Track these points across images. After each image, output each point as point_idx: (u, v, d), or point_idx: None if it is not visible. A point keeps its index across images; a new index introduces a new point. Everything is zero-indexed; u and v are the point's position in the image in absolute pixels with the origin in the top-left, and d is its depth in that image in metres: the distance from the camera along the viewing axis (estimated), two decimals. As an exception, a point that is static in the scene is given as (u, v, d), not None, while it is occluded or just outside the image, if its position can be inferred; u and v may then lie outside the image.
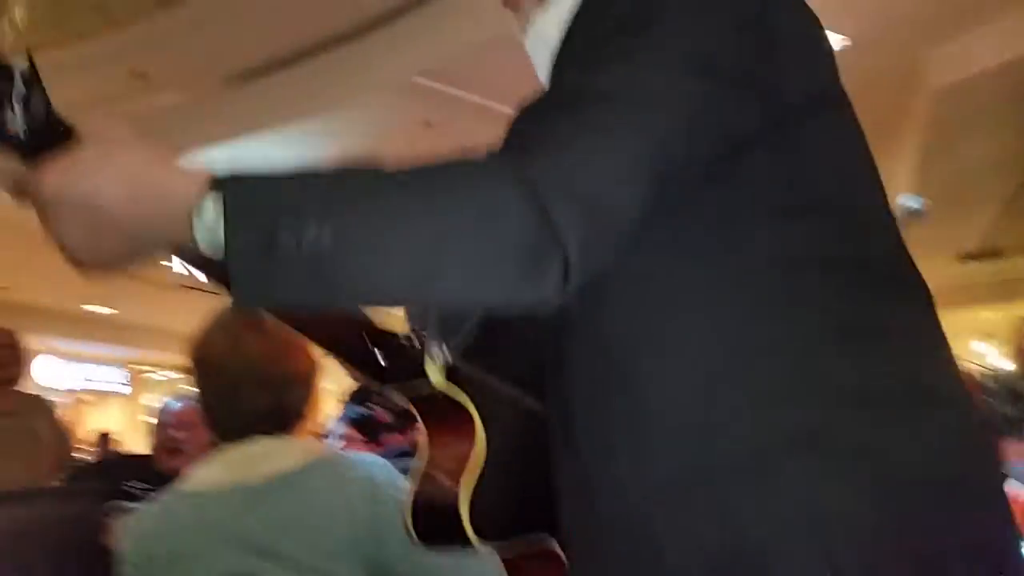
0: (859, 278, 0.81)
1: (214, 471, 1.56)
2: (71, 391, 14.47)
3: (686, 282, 0.80)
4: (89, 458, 7.04)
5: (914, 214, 2.57)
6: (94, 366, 15.32)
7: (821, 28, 0.90)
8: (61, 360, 14.13)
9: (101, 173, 0.68)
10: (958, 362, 0.87)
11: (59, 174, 0.69)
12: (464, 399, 0.99)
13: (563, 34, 0.89)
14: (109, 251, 0.71)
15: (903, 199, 2.60)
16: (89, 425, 13.63)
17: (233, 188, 0.66)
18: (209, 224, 0.66)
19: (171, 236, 0.70)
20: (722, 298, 0.79)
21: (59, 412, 4.20)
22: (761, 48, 0.80)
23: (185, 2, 6.79)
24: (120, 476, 2.74)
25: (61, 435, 3.86)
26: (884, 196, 0.91)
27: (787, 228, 0.80)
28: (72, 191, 0.69)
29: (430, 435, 1.04)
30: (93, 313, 11.71)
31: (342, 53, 6.72)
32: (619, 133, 0.72)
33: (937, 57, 6.08)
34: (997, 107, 6.25)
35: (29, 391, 3.96)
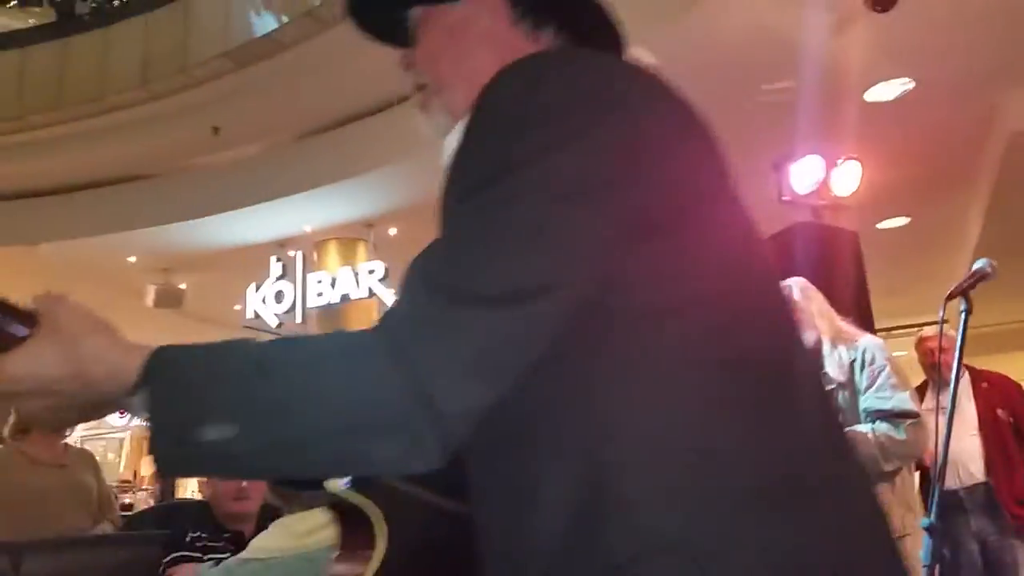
0: (735, 374, 0.80)
1: (275, 539, 1.61)
2: (134, 427, 14.75)
3: (563, 384, 0.80)
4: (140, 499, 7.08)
5: (983, 276, 2.52)
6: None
7: (696, 120, 0.90)
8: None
9: (58, 366, 0.80)
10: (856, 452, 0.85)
11: (20, 366, 0.79)
12: (363, 502, 1.05)
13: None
14: (67, 419, 0.88)
15: (977, 264, 2.55)
16: (149, 463, 13.86)
17: (155, 386, 0.78)
18: (141, 407, 0.78)
19: (122, 405, 0.82)
20: (596, 402, 0.79)
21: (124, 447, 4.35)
22: (635, 164, 0.80)
23: (260, 63, 7.06)
24: (179, 523, 2.78)
25: (106, 492, 3.96)
26: (769, 284, 0.90)
27: (662, 330, 0.79)
28: (32, 383, 0.80)
29: (341, 537, 1.14)
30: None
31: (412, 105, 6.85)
32: (494, 303, 0.74)
33: (1011, 102, 5.96)
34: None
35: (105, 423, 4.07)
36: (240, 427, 0.75)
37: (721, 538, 0.75)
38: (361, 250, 8.55)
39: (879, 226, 8.00)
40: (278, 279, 8.50)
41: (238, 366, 0.78)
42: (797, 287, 3.29)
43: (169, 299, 9.02)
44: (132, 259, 8.74)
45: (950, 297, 2.51)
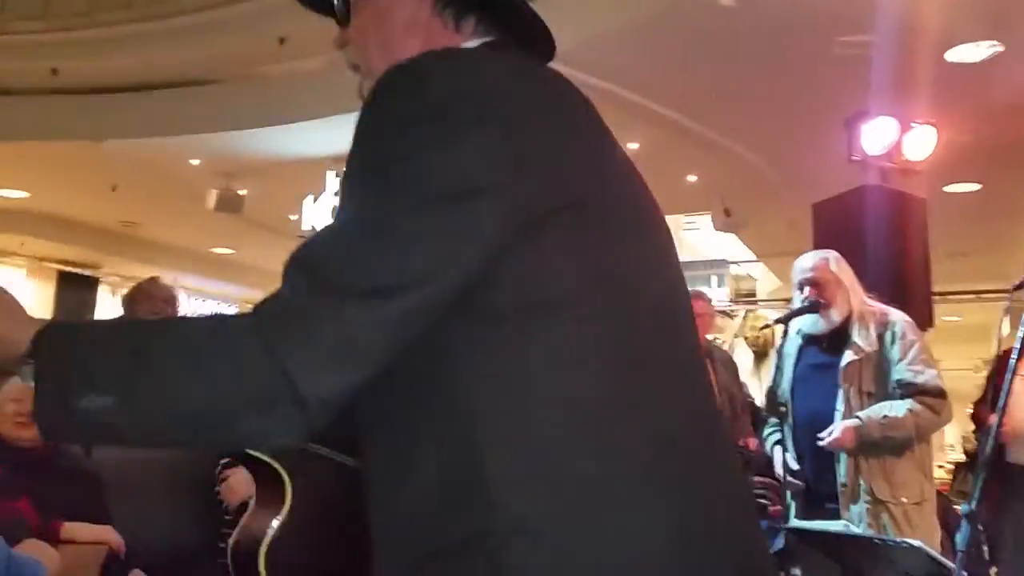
0: (600, 366, 0.84)
1: None
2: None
3: (438, 370, 0.85)
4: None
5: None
6: (213, 302, 15.95)
7: (585, 122, 0.93)
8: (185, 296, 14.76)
9: None
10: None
11: None
12: (271, 460, 1.20)
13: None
14: None
15: None
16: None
17: (42, 356, 0.84)
18: (29, 375, 0.84)
19: (15, 372, 0.88)
20: (468, 389, 0.84)
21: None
22: (509, 167, 0.83)
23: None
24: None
25: None
26: (656, 280, 0.94)
27: (532, 324, 0.83)
28: None
29: (256, 490, 1.34)
30: (216, 253, 12.26)
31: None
32: (361, 296, 0.79)
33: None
34: None
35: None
36: (116, 400, 0.81)
37: (571, 526, 0.79)
38: (418, 173, 8.55)
39: (947, 189, 7.77)
40: (335, 194, 8.55)
41: (120, 343, 0.85)
42: (833, 260, 3.38)
43: (230, 204, 9.14)
44: (195, 162, 8.86)
45: (1018, 287, 2.49)
